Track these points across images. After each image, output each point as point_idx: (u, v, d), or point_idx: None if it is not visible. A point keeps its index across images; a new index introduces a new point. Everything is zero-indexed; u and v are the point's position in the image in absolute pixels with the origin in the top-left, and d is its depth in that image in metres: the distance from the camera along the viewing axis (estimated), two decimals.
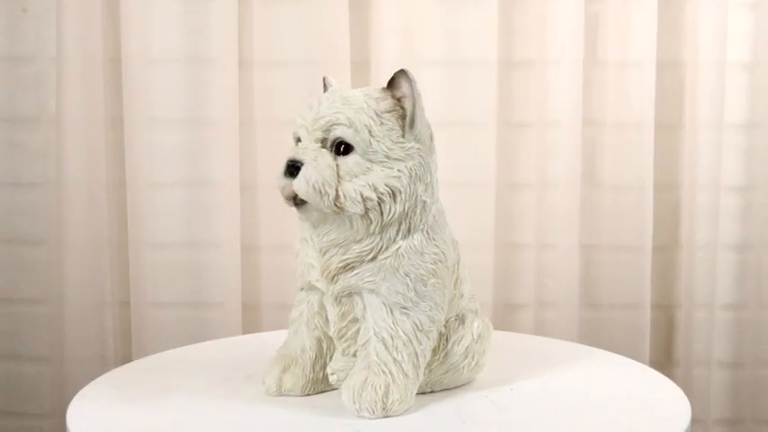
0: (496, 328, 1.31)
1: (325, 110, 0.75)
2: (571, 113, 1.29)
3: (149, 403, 0.79)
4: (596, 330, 1.34)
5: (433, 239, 0.77)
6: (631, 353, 1.25)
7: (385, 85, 0.77)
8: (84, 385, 0.84)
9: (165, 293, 1.31)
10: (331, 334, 0.80)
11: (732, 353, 1.37)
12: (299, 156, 0.75)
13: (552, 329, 1.31)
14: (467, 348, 0.82)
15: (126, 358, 1.29)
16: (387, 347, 0.76)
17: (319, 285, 0.78)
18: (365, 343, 0.77)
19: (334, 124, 0.75)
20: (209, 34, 1.28)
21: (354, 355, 0.79)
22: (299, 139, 0.78)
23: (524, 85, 1.32)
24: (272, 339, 0.90)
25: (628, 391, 0.83)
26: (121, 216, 1.30)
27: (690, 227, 1.33)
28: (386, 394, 0.74)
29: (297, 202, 0.75)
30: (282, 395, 0.80)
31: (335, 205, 0.73)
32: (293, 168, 0.74)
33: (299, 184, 0.73)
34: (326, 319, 0.80)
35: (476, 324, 0.84)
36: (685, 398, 0.80)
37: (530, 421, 0.75)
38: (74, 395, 0.81)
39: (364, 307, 0.77)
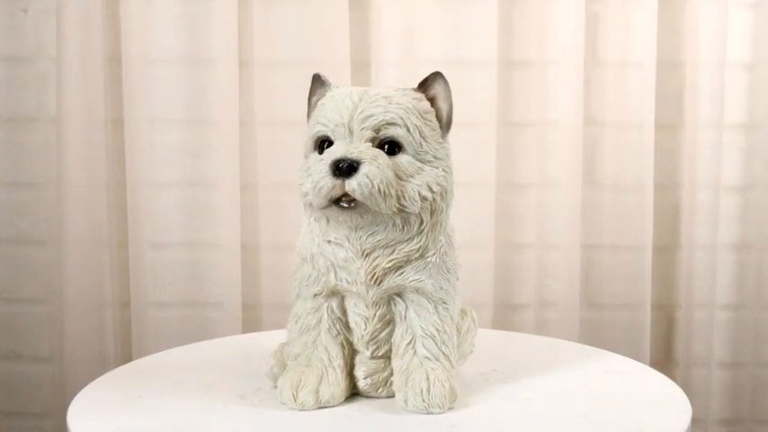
0: (497, 327, 1.32)
1: (372, 108, 0.73)
2: (571, 113, 1.29)
3: (149, 403, 0.79)
4: (597, 330, 1.34)
5: (453, 235, 0.80)
6: (631, 353, 1.25)
7: (394, 85, 0.78)
8: (85, 385, 0.84)
9: (165, 293, 1.31)
10: (358, 338, 0.79)
11: (732, 353, 1.37)
12: (353, 155, 0.72)
13: (553, 329, 1.31)
14: (472, 337, 0.86)
15: (126, 358, 1.29)
16: (436, 343, 0.77)
17: (353, 289, 0.76)
18: (410, 342, 0.77)
19: (387, 123, 0.73)
20: (210, 34, 1.28)
21: (382, 357, 0.79)
22: (324, 140, 0.75)
23: (524, 85, 1.32)
24: (272, 339, 0.90)
25: (628, 391, 0.83)
26: (121, 216, 1.30)
27: (690, 227, 1.33)
28: (451, 388, 0.76)
29: (343, 203, 0.72)
30: (320, 408, 0.76)
31: (396, 206, 0.73)
32: (349, 168, 0.71)
33: (361, 185, 0.71)
34: (346, 324, 0.79)
35: (474, 314, 0.87)
36: (685, 398, 0.80)
37: (529, 421, 0.75)
38: (74, 395, 0.81)
39: (406, 306, 0.78)
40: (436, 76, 0.77)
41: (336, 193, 0.71)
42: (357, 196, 0.71)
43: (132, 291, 1.28)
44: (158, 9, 1.28)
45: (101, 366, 1.27)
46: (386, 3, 1.27)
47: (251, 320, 1.31)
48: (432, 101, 0.77)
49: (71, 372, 1.27)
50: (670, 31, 1.32)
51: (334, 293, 0.78)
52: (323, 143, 0.75)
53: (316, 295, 0.78)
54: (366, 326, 0.78)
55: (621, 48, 1.30)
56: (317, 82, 0.79)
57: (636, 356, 1.23)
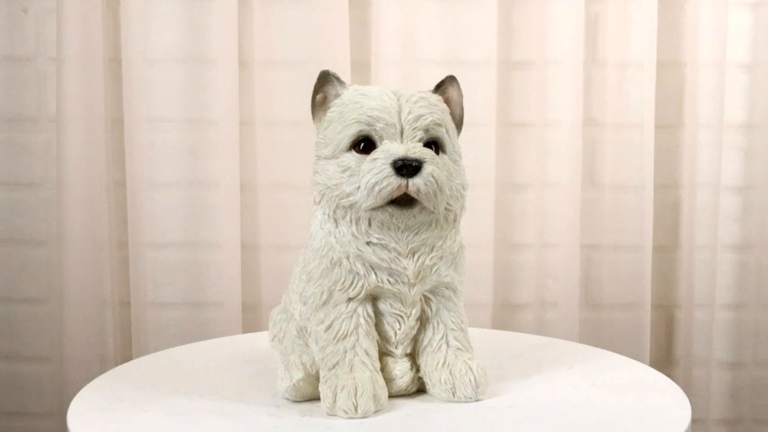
0: (497, 327, 1.32)
1: (419, 109, 0.75)
2: (571, 113, 1.29)
3: (149, 403, 0.79)
4: (596, 330, 1.34)
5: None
6: (631, 353, 1.25)
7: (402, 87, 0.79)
8: (84, 385, 0.84)
9: (165, 293, 1.31)
10: (392, 338, 0.79)
11: (732, 353, 1.37)
12: (416, 155, 0.72)
13: (553, 329, 1.31)
14: None
15: (126, 358, 1.29)
16: (464, 334, 0.81)
17: (395, 289, 0.76)
18: (442, 336, 0.79)
19: (435, 124, 0.75)
20: (209, 34, 1.28)
21: (408, 355, 0.80)
22: (364, 139, 0.74)
23: (524, 85, 1.32)
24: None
25: (628, 391, 0.83)
26: (121, 216, 1.30)
27: (690, 227, 1.33)
28: (486, 374, 0.79)
29: (401, 201, 0.72)
30: (378, 412, 0.75)
31: (447, 204, 0.75)
32: (414, 167, 0.72)
33: (427, 184, 0.72)
34: (375, 326, 0.78)
35: None
36: (685, 398, 0.81)
37: (529, 421, 0.75)
38: (74, 395, 0.81)
39: (436, 302, 0.80)
40: (452, 79, 0.79)
41: (399, 192, 0.72)
42: (420, 196, 0.72)
43: (132, 291, 1.28)
44: (158, 9, 1.28)
45: (101, 366, 1.27)
46: (386, 3, 1.27)
47: (251, 320, 1.31)
48: (445, 103, 0.79)
49: (71, 372, 1.27)
50: (670, 31, 1.32)
51: (368, 297, 0.77)
52: (360, 142, 0.74)
53: (350, 299, 0.76)
54: (401, 325, 0.78)
55: (621, 48, 1.31)
56: (325, 79, 0.78)
57: (636, 356, 1.23)
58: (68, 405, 0.78)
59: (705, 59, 1.30)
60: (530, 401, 0.79)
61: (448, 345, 0.79)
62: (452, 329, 0.80)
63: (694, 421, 0.76)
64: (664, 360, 1.37)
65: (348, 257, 0.75)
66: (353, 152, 0.74)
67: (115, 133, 1.29)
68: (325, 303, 0.77)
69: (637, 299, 1.32)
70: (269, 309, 1.31)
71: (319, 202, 0.76)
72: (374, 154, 0.73)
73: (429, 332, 0.80)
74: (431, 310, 0.80)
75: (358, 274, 0.75)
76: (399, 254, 0.75)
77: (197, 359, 0.95)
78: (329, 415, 0.74)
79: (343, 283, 0.76)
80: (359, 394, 0.73)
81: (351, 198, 0.73)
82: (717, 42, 1.30)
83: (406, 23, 1.28)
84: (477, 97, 1.29)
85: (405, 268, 0.75)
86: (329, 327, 0.76)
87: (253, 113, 1.29)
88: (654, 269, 1.33)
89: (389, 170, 0.71)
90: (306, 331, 0.79)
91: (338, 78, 0.78)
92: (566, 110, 1.29)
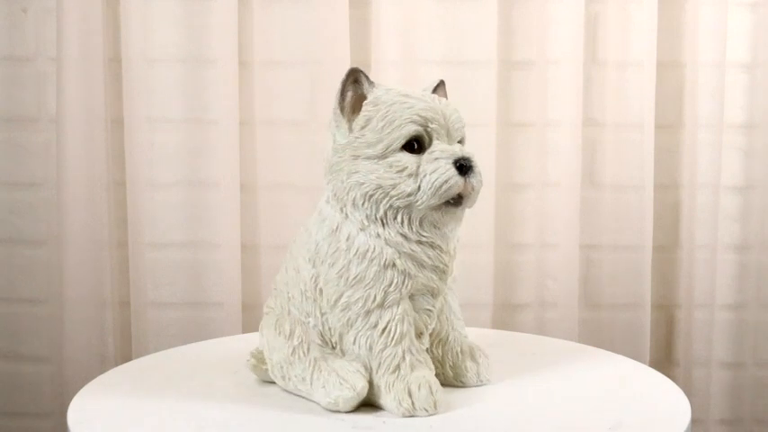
0: (497, 327, 1.32)
1: (454, 112, 0.77)
2: (571, 113, 1.29)
3: (149, 403, 0.79)
4: (596, 330, 1.34)
5: None
6: (631, 353, 1.25)
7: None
8: (84, 385, 0.84)
9: (165, 293, 1.31)
10: (425, 333, 0.80)
11: (732, 353, 1.37)
12: (469, 154, 0.75)
13: (553, 329, 1.31)
14: None
15: (126, 358, 1.29)
16: (462, 324, 0.84)
17: (435, 285, 0.78)
18: (453, 326, 0.83)
19: (463, 126, 0.78)
20: (209, 34, 1.29)
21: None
22: (413, 140, 0.74)
23: (524, 85, 1.32)
24: None
25: (628, 392, 0.83)
26: (121, 216, 1.30)
27: (690, 227, 1.33)
28: None
29: (453, 200, 0.74)
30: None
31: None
32: (470, 167, 0.74)
33: (478, 182, 0.75)
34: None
35: None
36: (685, 398, 0.81)
37: (529, 421, 0.75)
38: (74, 395, 0.81)
39: (449, 294, 0.83)
40: (443, 84, 0.82)
41: (459, 191, 0.74)
42: (472, 194, 0.75)
43: (132, 291, 1.28)
44: (158, 9, 1.28)
45: (101, 366, 1.27)
46: (386, 2, 1.27)
47: (251, 320, 1.31)
48: None
49: (71, 372, 1.27)
50: (670, 31, 1.32)
51: (408, 297, 0.77)
52: (411, 143, 0.75)
53: (401, 300, 0.76)
54: (431, 319, 0.80)
55: (621, 48, 1.31)
56: (355, 77, 0.76)
57: (636, 356, 1.23)
58: (68, 405, 0.78)
59: (705, 59, 1.30)
60: (528, 402, 0.79)
61: (459, 333, 0.83)
62: (458, 319, 0.84)
63: (694, 421, 0.76)
64: (664, 360, 1.37)
65: (400, 258, 0.75)
66: (405, 152, 0.74)
67: (115, 133, 1.29)
68: (378, 306, 0.75)
69: (637, 299, 1.32)
70: None
71: (363, 204, 0.74)
72: (432, 154, 0.74)
73: (444, 324, 0.83)
74: (445, 302, 0.82)
75: (409, 274, 0.76)
76: (442, 251, 0.77)
77: (197, 359, 0.95)
78: (405, 417, 0.74)
79: (396, 284, 0.75)
80: (434, 391, 0.75)
81: (410, 198, 0.73)
82: (717, 42, 1.30)
83: (406, 23, 1.28)
84: (477, 97, 1.29)
85: (446, 264, 0.77)
86: (384, 329, 0.75)
87: (253, 113, 1.29)
88: (654, 269, 1.33)
89: (454, 170, 0.73)
90: (333, 336, 0.78)
91: (367, 77, 0.77)
92: (566, 110, 1.29)
